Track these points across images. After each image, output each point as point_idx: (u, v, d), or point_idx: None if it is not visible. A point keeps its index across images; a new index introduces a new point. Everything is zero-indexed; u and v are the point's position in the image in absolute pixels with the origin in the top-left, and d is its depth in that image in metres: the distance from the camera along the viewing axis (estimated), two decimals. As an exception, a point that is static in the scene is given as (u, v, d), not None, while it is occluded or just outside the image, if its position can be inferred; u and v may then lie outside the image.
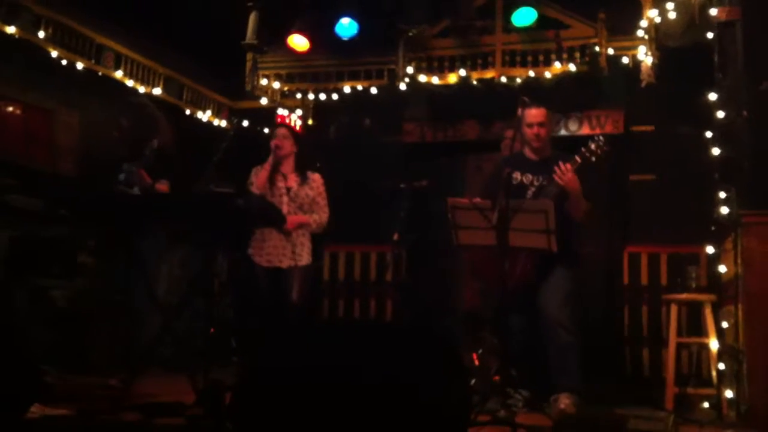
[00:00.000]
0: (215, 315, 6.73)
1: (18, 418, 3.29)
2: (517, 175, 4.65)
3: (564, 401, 4.36)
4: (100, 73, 6.67)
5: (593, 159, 4.45)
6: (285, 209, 5.04)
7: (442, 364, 2.80)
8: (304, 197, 5.15)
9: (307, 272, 5.15)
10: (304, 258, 5.11)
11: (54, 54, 6.17)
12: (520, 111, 4.53)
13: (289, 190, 5.13)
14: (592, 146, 4.45)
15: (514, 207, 4.11)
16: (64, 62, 6.27)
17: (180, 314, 5.10)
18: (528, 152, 4.78)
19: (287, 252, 5.05)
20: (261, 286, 5.11)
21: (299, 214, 5.12)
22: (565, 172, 4.39)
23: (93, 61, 6.59)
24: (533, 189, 4.62)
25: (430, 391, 2.69)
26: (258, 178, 5.17)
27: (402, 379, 2.70)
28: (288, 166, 5.20)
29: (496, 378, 4.22)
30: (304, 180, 5.18)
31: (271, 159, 5.12)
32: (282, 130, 5.20)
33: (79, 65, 6.40)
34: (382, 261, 7.06)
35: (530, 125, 4.65)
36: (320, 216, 5.18)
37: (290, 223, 4.99)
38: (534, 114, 4.64)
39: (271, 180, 5.14)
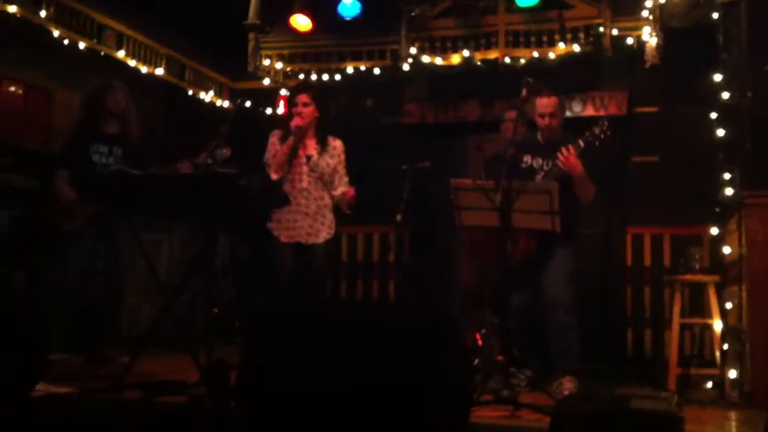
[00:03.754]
0: (217, 295, 6.76)
1: (24, 397, 3.30)
2: (527, 159, 4.64)
3: (567, 385, 4.37)
4: (101, 53, 6.64)
5: (597, 143, 4.44)
6: (305, 180, 4.80)
7: (446, 345, 2.80)
8: (325, 167, 4.84)
9: (330, 247, 4.95)
10: (329, 232, 4.88)
11: (55, 34, 6.15)
12: (524, 92, 4.50)
13: (309, 159, 4.82)
14: (596, 130, 4.44)
15: (517, 188, 4.11)
16: (65, 42, 6.24)
17: (180, 294, 5.11)
18: (539, 136, 4.76)
19: (312, 227, 4.81)
20: (283, 263, 4.84)
21: (319, 185, 4.83)
22: (568, 156, 4.38)
23: (95, 41, 6.57)
24: (542, 173, 4.60)
25: (434, 371, 2.70)
26: (276, 160, 4.80)
27: (406, 360, 2.70)
28: (307, 133, 4.86)
29: (500, 358, 4.22)
30: (324, 147, 4.87)
31: (291, 140, 4.74)
32: (303, 97, 4.81)
33: (81, 45, 6.37)
34: (385, 242, 7.07)
35: (542, 115, 4.62)
36: (344, 185, 4.94)
37: (352, 198, 4.89)
38: (545, 104, 4.61)
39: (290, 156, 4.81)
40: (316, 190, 4.84)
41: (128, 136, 5.15)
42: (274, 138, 4.90)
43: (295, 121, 4.76)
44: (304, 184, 4.82)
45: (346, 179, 4.96)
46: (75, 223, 4.93)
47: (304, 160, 4.83)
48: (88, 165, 4.98)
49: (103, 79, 5.48)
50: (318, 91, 4.99)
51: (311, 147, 4.87)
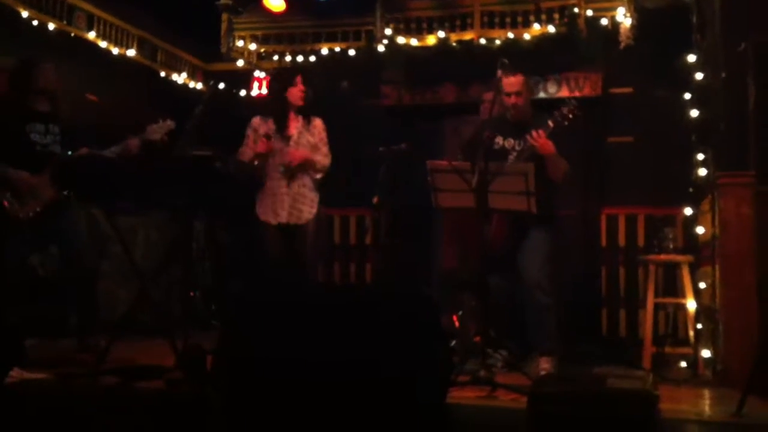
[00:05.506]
0: (194, 280, 6.72)
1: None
2: (499, 140, 4.64)
3: (543, 365, 4.40)
4: (72, 34, 6.53)
5: (566, 123, 4.45)
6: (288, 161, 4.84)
7: (426, 329, 2.80)
8: (306, 144, 4.91)
9: (319, 224, 4.95)
10: (311, 212, 4.89)
11: (24, 14, 6.03)
12: (499, 73, 4.51)
13: (289, 138, 4.89)
14: (564, 110, 4.45)
15: (494, 170, 4.12)
16: (34, 23, 6.13)
17: (157, 279, 5.07)
18: (509, 116, 4.76)
19: (294, 206, 4.84)
20: (270, 246, 4.89)
21: (301, 165, 4.86)
22: (537, 138, 4.39)
23: (64, 22, 6.45)
24: (514, 153, 4.62)
25: (412, 354, 2.70)
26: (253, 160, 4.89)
27: (386, 345, 2.70)
28: (293, 115, 4.95)
29: (477, 339, 4.25)
30: (306, 125, 4.94)
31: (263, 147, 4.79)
32: (300, 77, 4.92)
33: (51, 26, 6.26)
34: (362, 224, 7.05)
35: (508, 94, 4.63)
36: (322, 159, 4.95)
37: (294, 157, 4.79)
38: (511, 83, 4.60)
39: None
40: (297, 169, 4.86)
41: (60, 114, 4.94)
42: (249, 131, 4.95)
43: (298, 94, 4.87)
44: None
45: (327, 154, 4.97)
46: (26, 210, 4.62)
47: (285, 141, 4.87)
48: (27, 145, 4.71)
49: (26, 54, 5.21)
50: (308, 75, 5.03)
51: (293, 127, 4.92)
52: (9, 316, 4.32)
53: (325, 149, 4.98)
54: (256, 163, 4.86)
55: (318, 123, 5.00)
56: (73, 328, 5.24)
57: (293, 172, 4.85)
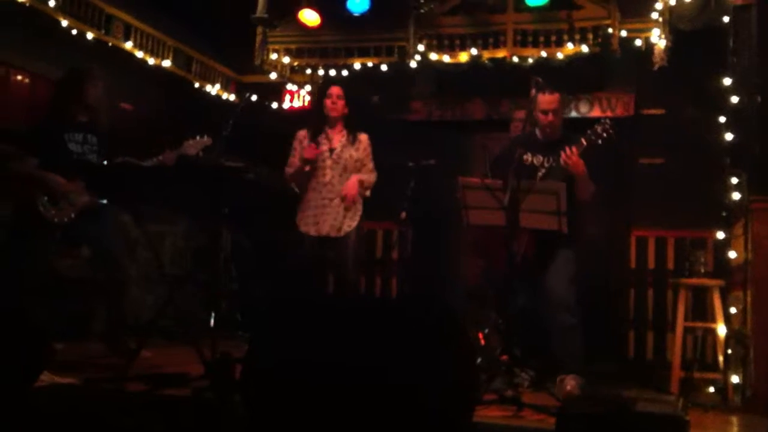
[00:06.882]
0: (220, 288, 6.76)
1: (28, 386, 3.30)
2: (528, 157, 4.63)
3: (570, 383, 4.36)
4: (109, 44, 6.62)
5: (599, 142, 4.42)
6: (328, 174, 4.96)
7: (451, 343, 2.79)
8: (348, 159, 5.00)
9: (358, 238, 5.04)
10: (353, 223, 4.98)
11: (64, 24, 6.13)
12: (533, 92, 4.50)
13: (332, 152, 4.99)
14: (598, 129, 4.43)
15: (525, 188, 4.11)
16: (73, 32, 6.23)
17: (183, 286, 5.10)
18: (539, 133, 4.75)
19: (336, 219, 4.93)
20: (308, 256, 4.98)
21: (343, 178, 4.97)
22: (570, 156, 4.37)
23: (102, 32, 6.55)
24: (543, 171, 4.61)
25: (439, 369, 2.69)
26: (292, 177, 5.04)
27: (410, 353, 2.70)
28: (336, 127, 5.05)
29: (504, 357, 4.22)
30: (350, 141, 5.03)
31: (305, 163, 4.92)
32: (336, 90, 5.04)
33: (89, 35, 6.35)
34: (388, 238, 7.05)
35: (545, 112, 4.61)
36: (368, 176, 5.06)
37: (349, 192, 4.91)
38: (548, 100, 4.59)
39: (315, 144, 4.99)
40: (339, 183, 4.97)
41: (99, 124, 4.99)
42: (296, 143, 5.08)
43: (329, 104, 4.98)
44: (327, 178, 4.96)
45: (372, 170, 5.09)
46: (61, 215, 4.67)
47: (328, 153, 4.97)
48: (65, 154, 4.77)
49: (81, 63, 5.30)
50: (347, 87, 5.14)
51: (336, 140, 5.02)
52: (38, 318, 4.37)
53: (370, 165, 5.08)
54: (306, 168, 4.93)
55: (363, 138, 5.08)
56: (96, 331, 5.30)
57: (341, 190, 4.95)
